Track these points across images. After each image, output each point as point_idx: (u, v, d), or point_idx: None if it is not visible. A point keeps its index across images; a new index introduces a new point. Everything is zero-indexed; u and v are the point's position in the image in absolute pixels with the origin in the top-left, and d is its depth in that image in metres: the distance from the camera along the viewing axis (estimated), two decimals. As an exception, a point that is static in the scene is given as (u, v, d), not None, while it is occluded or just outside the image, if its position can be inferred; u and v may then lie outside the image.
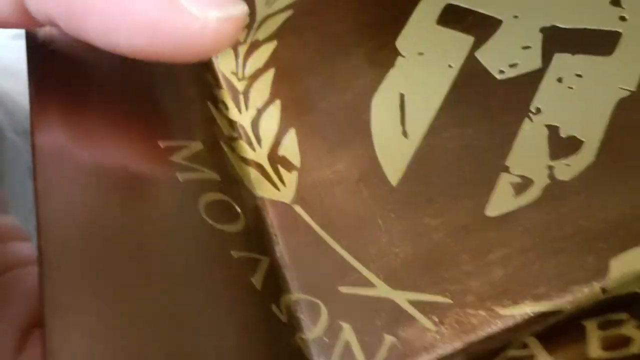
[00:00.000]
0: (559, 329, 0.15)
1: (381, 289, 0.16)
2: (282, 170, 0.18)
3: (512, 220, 0.16)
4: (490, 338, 0.15)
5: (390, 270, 0.16)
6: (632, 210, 0.15)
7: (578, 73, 0.18)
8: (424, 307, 0.16)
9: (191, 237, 0.16)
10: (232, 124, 0.20)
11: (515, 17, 0.19)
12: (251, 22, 0.21)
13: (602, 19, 0.18)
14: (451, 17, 0.20)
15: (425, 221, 0.17)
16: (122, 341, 0.14)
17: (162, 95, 0.19)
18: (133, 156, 0.17)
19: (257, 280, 0.16)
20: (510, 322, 0.15)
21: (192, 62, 0.17)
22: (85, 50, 0.17)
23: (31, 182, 0.16)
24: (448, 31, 0.20)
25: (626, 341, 0.14)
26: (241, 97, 0.20)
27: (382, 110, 0.19)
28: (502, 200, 0.16)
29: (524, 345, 0.15)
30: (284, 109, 0.19)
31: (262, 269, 0.16)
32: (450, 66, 0.19)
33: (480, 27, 0.19)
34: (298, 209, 0.18)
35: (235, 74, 0.20)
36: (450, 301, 0.15)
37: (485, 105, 0.18)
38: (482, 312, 0.15)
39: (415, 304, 0.16)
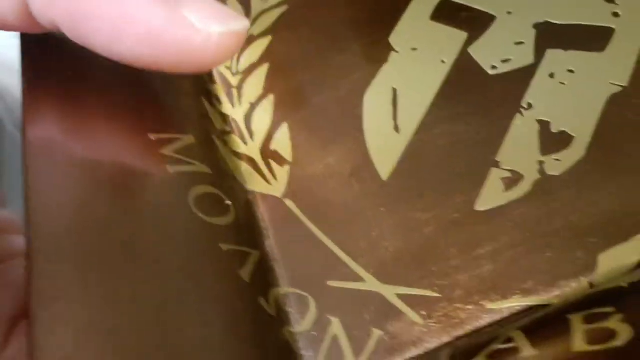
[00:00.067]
0: (544, 323, 0.15)
1: (370, 283, 0.16)
2: (273, 164, 0.18)
3: (501, 215, 0.16)
4: (477, 332, 0.15)
5: (380, 265, 0.16)
6: (621, 206, 0.15)
7: (570, 69, 0.18)
8: (413, 302, 0.16)
9: (181, 230, 0.16)
10: (225, 118, 0.20)
11: (509, 13, 0.19)
12: (247, 17, 0.21)
13: (595, 15, 0.18)
14: (445, 13, 0.20)
15: (416, 216, 0.17)
16: (108, 332, 0.14)
17: (154, 89, 0.19)
18: (124, 149, 0.17)
19: (245, 273, 0.16)
20: (498, 317, 0.15)
21: (193, 73, 0.17)
22: (78, 45, 0.17)
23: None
24: (442, 27, 0.20)
25: (611, 335, 0.14)
26: (234, 92, 0.20)
27: (374, 105, 0.19)
28: (492, 195, 0.16)
29: (509, 339, 0.15)
30: (277, 104, 0.19)
31: (251, 263, 0.16)
32: (443, 62, 0.19)
33: (474, 23, 0.19)
34: (289, 203, 0.18)
35: (230, 68, 0.20)
36: (438, 295, 0.15)
37: (477, 101, 0.18)
38: (470, 307, 0.15)
39: (404, 298, 0.16)
